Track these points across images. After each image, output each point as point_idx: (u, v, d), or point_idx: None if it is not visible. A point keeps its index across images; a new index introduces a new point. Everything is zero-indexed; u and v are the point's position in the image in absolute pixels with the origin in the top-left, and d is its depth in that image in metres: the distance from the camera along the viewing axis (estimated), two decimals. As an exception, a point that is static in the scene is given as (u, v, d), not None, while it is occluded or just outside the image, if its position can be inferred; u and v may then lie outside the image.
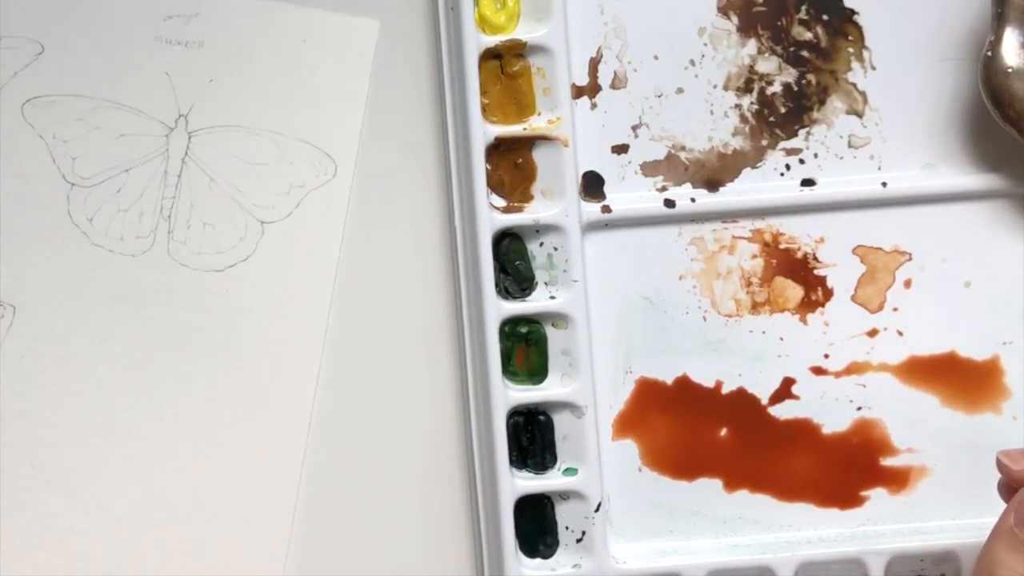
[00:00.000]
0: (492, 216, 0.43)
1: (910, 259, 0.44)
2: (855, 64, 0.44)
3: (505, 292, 0.43)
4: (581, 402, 0.43)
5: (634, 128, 0.44)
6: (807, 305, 0.44)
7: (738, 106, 0.45)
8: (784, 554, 0.43)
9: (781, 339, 0.44)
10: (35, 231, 0.44)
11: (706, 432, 0.44)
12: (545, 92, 0.43)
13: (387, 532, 0.44)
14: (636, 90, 0.45)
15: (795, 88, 0.45)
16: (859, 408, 0.44)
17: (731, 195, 0.44)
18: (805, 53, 0.45)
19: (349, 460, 0.44)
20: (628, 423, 0.44)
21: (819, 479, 0.44)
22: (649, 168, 0.45)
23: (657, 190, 0.44)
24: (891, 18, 0.44)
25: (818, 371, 0.44)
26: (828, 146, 0.44)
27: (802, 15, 0.45)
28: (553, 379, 0.43)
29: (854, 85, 0.44)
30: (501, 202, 0.44)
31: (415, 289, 0.45)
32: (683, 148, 0.44)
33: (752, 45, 0.45)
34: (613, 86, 0.45)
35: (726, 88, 0.45)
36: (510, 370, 0.43)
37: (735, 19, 0.45)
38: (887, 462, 0.44)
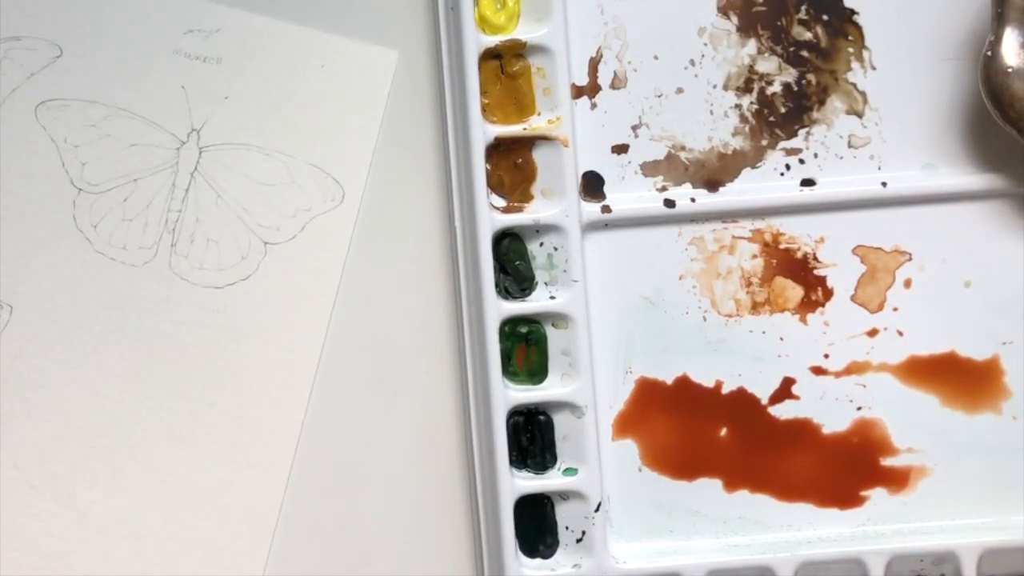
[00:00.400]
0: (492, 216, 0.43)
1: (910, 259, 0.44)
2: (855, 64, 0.44)
3: (505, 292, 0.43)
4: (581, 402, 0.43)
5: (634, 128, 0.44)
6: (807, 305, 0.44)
7: (738, 106, 0.45)
8: (784, 554, 0.43)
9: (781, 339, 0.44)
10: (38, 233, 0.44)
11: (706, 432, 0.44)
12: (545, 92, 0.43)
13: (387, 532, 0.44)
14: (636, 90, 0.45)
15: (795, 88, 0.45)
16: (859, 408, 0.44)
17: (731, 195, 0.44)
18: (805, 53, 0.45)
19: (349, 460, 0.44)
20: (628, 423, 0.44)
21: (819, 479, 0.44)
22: (649, 168, 0.45)
23: (657, 190, 0.44)
24: (891, 18, 0.44)
25: (818, 371, 0.44)
26: (828, 146, 0.44)
27: (802, 15, 0.45)
28: (553, 379, 0.43)
29: (854, 85, 0.44)
30: (501, 202, 0.44)
31: (415, 289, 0.45)
32: (683, 148, 0.44)
33: (752, 45, 0.45)
34: (613, 86, 0.45)
35: (726, 88, 0.45)
36: (510, 370, 0.43)
37: (735, 19, 0.45)
38: (887, 462, 0.44)
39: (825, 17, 0.45)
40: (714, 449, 0.44)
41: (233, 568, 0.43)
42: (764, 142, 0.45)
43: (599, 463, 0.43)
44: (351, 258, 0.45)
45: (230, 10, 0.45)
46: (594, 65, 0.45)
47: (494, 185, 0.44)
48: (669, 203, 0.44)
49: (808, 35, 0.45)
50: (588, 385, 0.43)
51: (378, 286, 0.45)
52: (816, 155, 0.44)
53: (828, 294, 0.44)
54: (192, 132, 0.45)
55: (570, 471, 0.43)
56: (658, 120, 0.45)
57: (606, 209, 0.44)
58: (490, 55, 0.43)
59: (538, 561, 0.43)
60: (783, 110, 0.45)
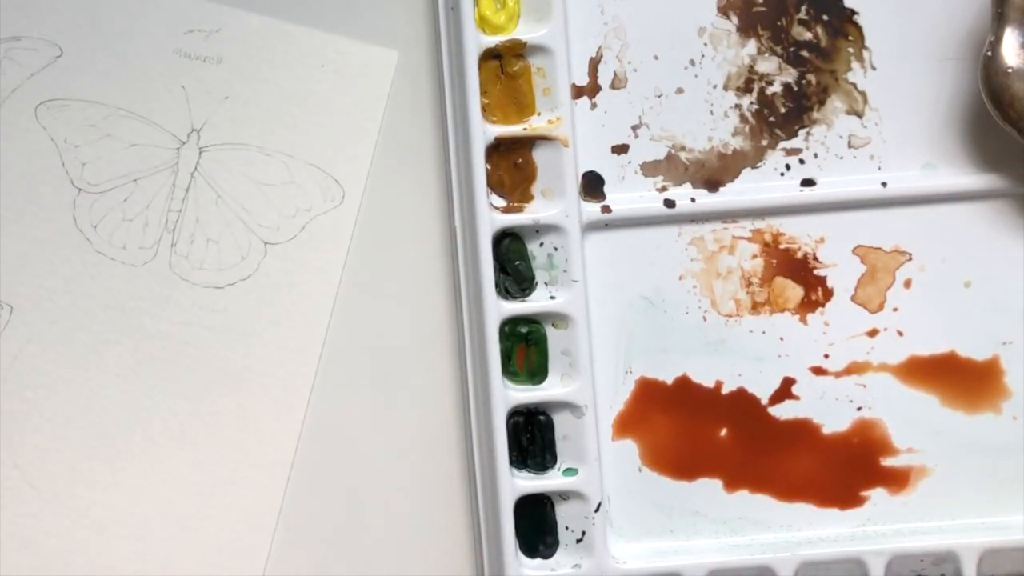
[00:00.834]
0: (492, 216, 0.43)
1: (910, 259, 0.44)
2: (855, 64, 0.44)
3: (505, 292, 0.43)
4: (581, 402, 0.43)
5: (634, 128, 0.45)
6: (807, 305, 0.44)
7: (738, 106, 0.45)
8: (784, 554, 0.43)
9: (781, 339, 0.44)
10: (38, 233, 0.44)
11: (706, 432, 0.44)
12: (545, 92, 0.43)
13: (387, 532, 0.44)
14: (636, 90, 0.45)
15: (795, 88, 0.45)
16: (859, 408, 0.44)
17: (731, 195, 0.44)
18: (805, 53, 0.45)
19: (349, 460, 0.44)
20: (628, 423, 0.44)
21: (819, 479, 0.44)
22: (649, 168, 0.45)
23: (657, 190, 0.44)
24: (891, 18, 0.44)
25: (818, 371, 0.44)
26: (828, 146, 0.44)
27: (802, 15, 0.45)
28: (553, 379, 0.43)
29: (854, 85, 0.44)
30: (501, 202, 0.44)
31: (415, 289, 0.45)
32: (683, 148, 0.45)
33: (752, 45, 0.45)
34: (613, 86, 0.45)
35: (726, 88, 0.45)
36: (510, 370, 0.43)
37: (735, 19, 0.45)
38: (887, 462, 0.44)
39: (825, 17, 0.45)
40: (714, 449, 0.44)
41: (233, 568, 0.43)
42: (764, 142, 0.45)
43: (599, 463, 0.43)
44: (351, 258, 0.45)
45: (230, 10, 0.45)
46: (594, 65, 0.45)
47: (494, 185, 0.44)
48: (669, 203, 0.44)
49: (808, 35, 0.45)
50: (588, 385, 0.43)
51: (378, 286, 0.45)
52: (816, 155, 0.44)
53: (828, 294, 0.44)
54: (192, 132, 0.45)
55: (570, 471, 0.43)
56: (658, 120, 0.45)
57: (606, 209, 0.44)
58: (490, 55, 0.43)
59: (538, 561, 0.43)
60: (783, 110, 0.45)
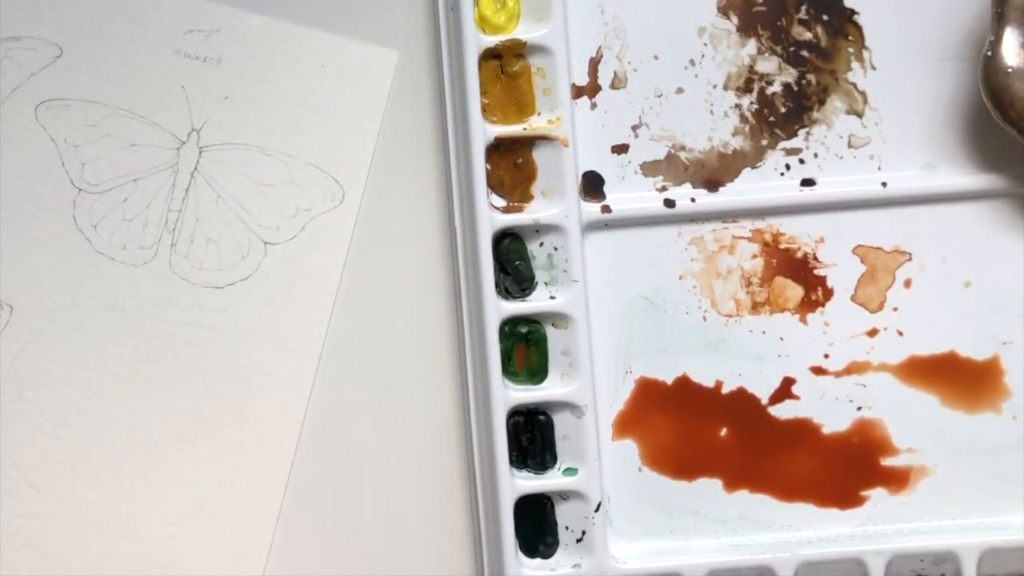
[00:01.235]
0: (492, 216, 0.43)
1: (910, 259, 0.44)
2: (855, 64, 0.44)
3: (505, 292, 0.43)
4: (581, 402, 0.43)
5: (634, 128, 0.45)
6: (807, 305, 0.44)
7: (738, 106, 0.45)
8: (784, 554, 0.43)
9: (781, 339, 0.44)
10: (38, 233, 0.44)
11: (706, 432, 0.44)
12: (545, 92, 0.43)
13: (387, 532, 0.44)
14: (636, 90, 0.45)
15: (795, 88, 0.45)
16: (859, 408, 0.44)
17: (731, 195, 0.44)
18: (805, 53, 0.45)
19: (349, 460, 0.44)
20: (628, 423, 0.44)
21: (819, 479, 0.44)
22: (649, 168, 0.45)
23: (657, 190, 0.44)
24: (891, 18, 0.44)
25: (818, 371, 0.44)
26: (828, 146, 0.44)
27: (802, 15, 0.45)
28: (553, 379, 0.43)
29: (854, 85, 0.44)
30: (501, 202, 0.44)
31: (415, 289, 0.45)
32: (683, 148, 0.45)
33: (752, 45, 0.45)
34: (613, 86, 0.45)
35: (726, 88, 0.45)
36: (510, 370, 0.43)
37: (735, 19, 0.45)
38: (887, 462, 0.44)
39: (825, 17, 0.45)
40: (714, 449, 0.44)
41: (233, 568, 0.43)
42: (764, 142, 0.45)
43: (599, 463, 0.43)
44: (351, 258, 0.45)
45: (230, 10, 0.45)
46: (594, 65, 0.45)
47: (494, 185, 0.44)
48: (669, 203, 0.44)
49: (808, 35, 0.45)
50: (588, 385, 0.43)
51: (378, 286, 0.45)
52: (816, 155, 0.44)
53: (828, 294, 0.44)
54: (192, 132, 0.45)
55: (570, 471, 0.43)
56: (658, 120, 0.45)
57: (606, 209, 0.44)
58: (490, 55, 0.43)
59: (538, 561, 0.43)
60: (783, 110, 0.45)
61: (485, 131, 0.43)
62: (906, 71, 0.44)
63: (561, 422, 0.43)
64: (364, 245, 0.45)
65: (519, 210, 0.43)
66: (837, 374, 0.44)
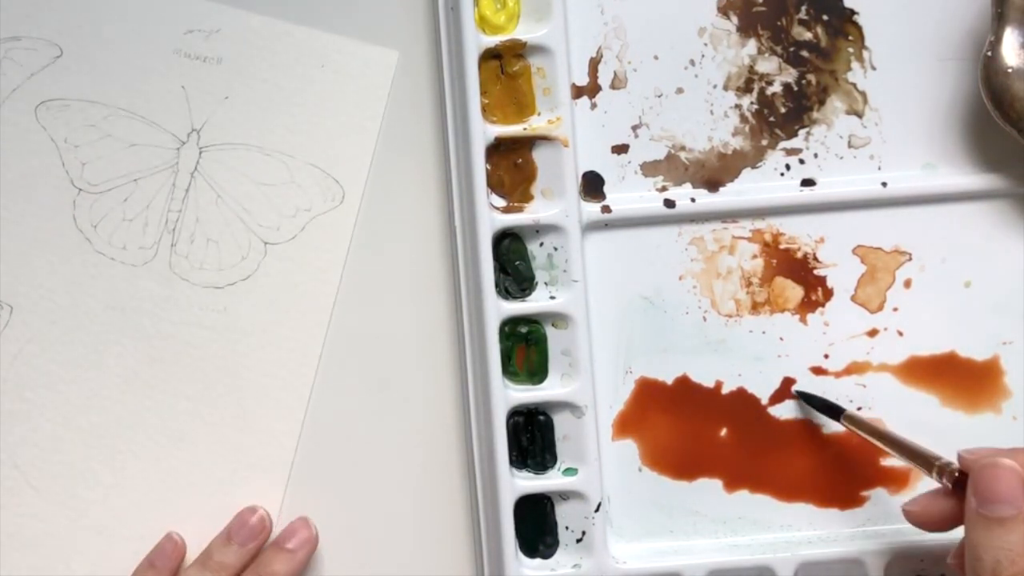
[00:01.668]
0: (492, 216, 0.43)
1: (910, 259, 0.44)
2: (855, 64, 0.44)
3: (505, 292, 0.43)
4: (581, 402, 0.43)
5: (634, 128, 0.44)
6: (807, 305, 0.44)
7: (738, 106, 0.45)
8: (784, 554, 0.43)
9: (781, 339, 0.44)
10: (39, 233, 0.44)
11: (706, 432, 0.44)
12: (545, 92, 0.43)
13: (387, 532, 0.44)
14: (636, 90, 0.45)
15: (795, 88, 0.45)
16: (859, 408, 0.44)
17: (731, 195, 0.44)
18: (805, 53, 0.45)
19: (349, 460, 0.44)
20: (628, 423, 0.44)
21: (819, 479, 0.44)
22: (649, 168, 0.45)
23: (657, 190, 0.44)
24: (891, 18, 0.44)
25: (818, 371, 0.44)
26: (828, 146, 0.44)
27: (802, 15, 0.45)
28: (553, 379, 0.43)
29: (854, 85, 0.44)
30: (501, 202, 0.44)
31: (415, 289, 0.45)
32: (683, 148, 0.44)
33: (752, 45, 0.45)
34: (613, 86, 0.45)
35: (726, 88, 0.45)
36: (510, 370, 0.43)
37: (735, 19, 0.45)
38: (887, 462, 0.44)
39: (825, 17, 0.45)
40: (714, 449, 0.44)
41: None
42: (764, 142, 0.45)
43: (599, 463, 0.43)
44: (351, 258, 0.45)
45: (230, 10, 0.45)
46: (594, 65, 0.45)
47: (494, 185, 0.44)
48: (669, 203, 0.44)
49: (808, 35, 0.45)
50: (588, 385, 0.43)
51: (378, 286, 0.45)
52: (816, 155, 0.44)
53: (828, 294, 0.44)
54: (192, 132, 0.45)
55: (570, 471, 0.43)
56: (658, 120, 0.44)
57: (606, 209, 0.44)
58: (490, 55, 0.43)
59: (538, 561, 0.43)
60: (783, 110, 0.45)
61: (485, 131, 0.43)
62: (906, 71, 0.44)
63: (561, 422, 0.43)
64: (364, 245, 0.45)
65: (519, 210, 0.43)
66: (837, 374, 0.44)
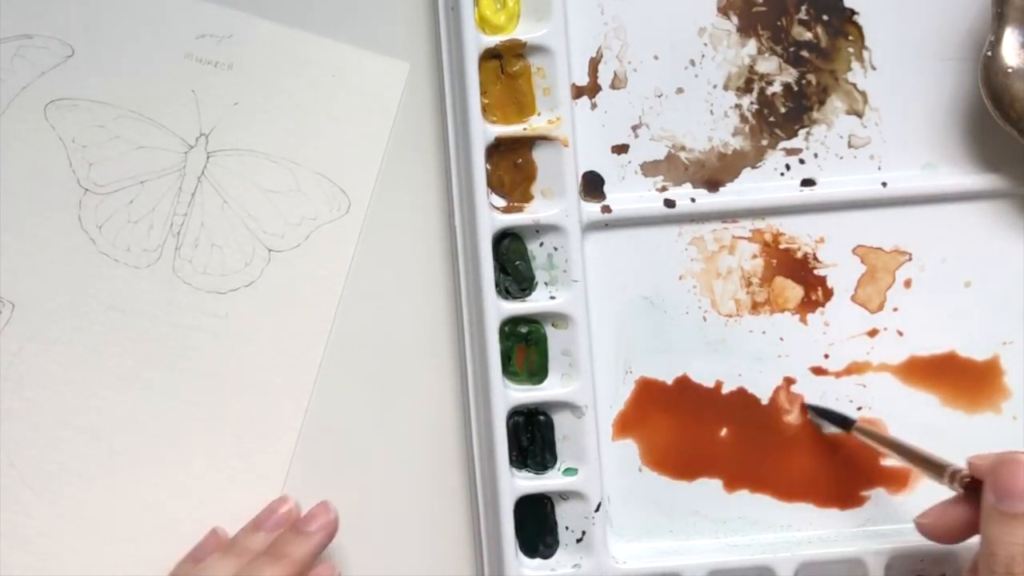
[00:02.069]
0: (492, 216, 0.43)
1: (910, 259, 0.44)
2: (855, 64, 0.44)
3: (505, 292, 0.43)
4: (581, 402, 0.43)
5: (634, 128, 0.45)
6: (807, 305, 0.44)
7: (738, 106, 0.45)
8: (784, 554, 0.43)
9: (781, 339, 0.44)
10: (43, 232, 0.44)
11: (706, 432, 0.44)
12: (545, 92, 0.43)
13: (387, 532, 0.44)
14: (636, 90, 0.45)
15: (795, 88, 0.45)
16: (859, 408, 0.44)
17: (731, 195, 0.44)
18: (805, 53, 0.45)
19: (349, 460, 0.44)
20: (628, 423, 0.44)
21: (819, 479, 0.44)
22: (649, 168, 0.45)
23: (657, 190, 0.44)
24: (891, 18, 0.44)
25: (818, 371, 0.44)
26: (828, 146, 0.44)
27: (802, 15, 0.45)
28: (553, 379, 0.43)
29: (854, 85, 0.44)
30: (501, 202, 0.44)
31: (415, 289, 0.45)
32: (683, 148, 0.45)
33: (752, 45, 0.45)
34: (613, 86, 0.45)
35: (726, 88, 0.45)
36: (510, 370, 0.43)
37: (735, 19, 0.45)
38: (887, 462, 0.44)
39: (825, 17, 0.45)
40: (714, 449, 0.44)
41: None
42: (764, 142, 0.45)
43: (599, 463, 0.43)
44: (354, 263, 0.45)
45: (243, 16, 0.45)
46: (594, 65, 0.45)
47: (494, 185, 0.44)
48: (669, 203, 0.44)
49: (808, 35, 0.45)
50: (588, 385, 0.43)
51: (379, 286, 0.45)
52: (816, 155, 0.44)
53: (828, 294, 0.44)
54: (200, 136, 0.45)
55: (570, 471, 0.43)
56: (658, 120, 0.45)
57: (606, 209, 0.44)
58: (490, 55, 0.43)
59: (538, 561, 0.43)
60: (783, 110, 0.45)
61: (485, 131, 0.43)
62: (906, 71, 0.44)
63: (561, 422, 0.43)
64: (366, 249, 0.45)
65: (519, 210, 0.43)
66: (837, 374, 0.44)
